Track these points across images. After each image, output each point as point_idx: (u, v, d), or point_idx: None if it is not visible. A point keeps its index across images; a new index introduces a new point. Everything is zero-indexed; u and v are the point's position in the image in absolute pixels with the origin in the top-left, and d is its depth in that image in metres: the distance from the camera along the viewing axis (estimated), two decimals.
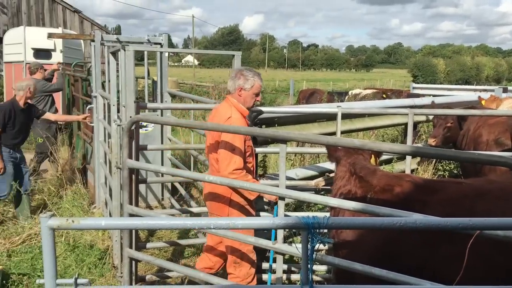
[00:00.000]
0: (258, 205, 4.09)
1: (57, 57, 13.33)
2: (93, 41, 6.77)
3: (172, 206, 7.18)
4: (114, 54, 4.99)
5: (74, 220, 2.23)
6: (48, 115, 7.02)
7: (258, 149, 4.53)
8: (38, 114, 6.86)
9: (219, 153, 3.76)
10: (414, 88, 16.45)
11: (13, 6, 18.85)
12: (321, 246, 2.38)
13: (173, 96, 7.53)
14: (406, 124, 6.84)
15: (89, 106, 7.13)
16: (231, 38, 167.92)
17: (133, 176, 4.03)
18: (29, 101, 6.58)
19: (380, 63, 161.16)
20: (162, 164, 7.30)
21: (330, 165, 5.60)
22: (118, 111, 4.76)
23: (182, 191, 6.46)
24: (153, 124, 6.76)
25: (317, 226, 2.29)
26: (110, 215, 6.21)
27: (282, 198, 3.20)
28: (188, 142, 8.00)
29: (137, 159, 4.13)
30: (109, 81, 5.06)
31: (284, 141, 3.12)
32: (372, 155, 3.76)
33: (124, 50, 3.91)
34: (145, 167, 3.90)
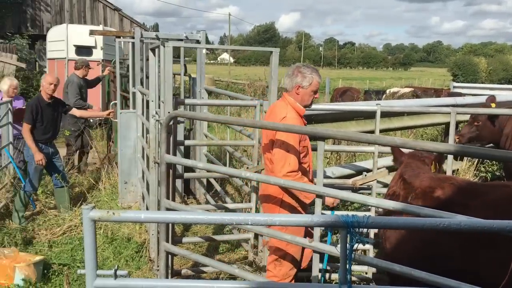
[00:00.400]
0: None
1: (97, 54, 13.67)
2: (133, 38, 6.87)
3: (207, 202, 7.24)
4: (154, 50, 5.05)
5: (115, 212, 2.27)
6: (74, 111, 7.05)
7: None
8: (65, 109, 6.91)
9: (274, 153, 3.63)
10: (454, 87, 16.02)
11: (56, 4, 19.39)
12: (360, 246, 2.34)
13: (209, 93, 7.58)
14: (446, 124, 6.69)
15: (112, 102, 7.22)
16: (266, 36, 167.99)
17: (170, 171, 4.07)
18: (55, 94, 6.61)
19: (418, 62, 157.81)
20: (198, 160, 7.38)
21: (366, 164, 5.54)
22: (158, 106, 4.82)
23: (217, 187, 6.49)
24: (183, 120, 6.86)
25: (356, 225, 2.25)
26: (147, 209, 6.32)
27: (319, 196, 3.16)
28: (223, 139, 8.06)
29: (174, 154, 4.17)
30: (147, 77, 5.12)
31: (323, 138, 3.08)
32: (433, 161, 3.70)
33: (164, 47, 3.95)
34: (182, 162, 3.93)
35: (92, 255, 2.31)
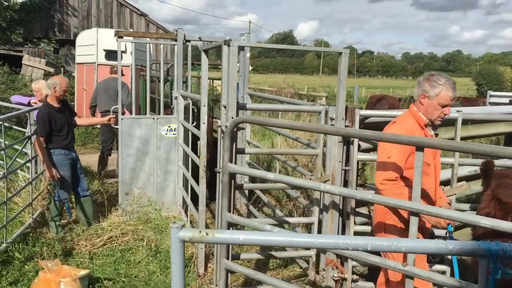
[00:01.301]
0: None
1: (127, 59, 13.45)
2: (175, 40, 6.59)
3: (250, 213, 6.88)
4: (207, 52, 4.74)
5: (208, 233, 1.95)
6: (76, 119, 6.56)
7: (362, 156, 4.13)
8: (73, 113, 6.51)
9: (377, 161, 3.29)
10: (491, 96, 15.52)
11: (84, 9, 19.33)
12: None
13: (251, 98, 7.26)
14: (508, 134, 6.25)
15: (113, 107, 6.84)
16: (285, 43, 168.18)
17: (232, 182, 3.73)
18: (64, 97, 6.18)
19: (438, 71, 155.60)
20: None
21: (444, 175, 5.13)
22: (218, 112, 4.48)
23: (263, 198, 6.15)
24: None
25: (502, 255, 1.89)
26: (191, 223, 5.98)
27: (415, 214, 2.78)
28: (273, 146, 7.71)
29: (235, 163, 3.82)
30: (196, 80, 4.79)
31: (421, 148, 2.71)
32: None
33: (229, 46, 3.63)
34: (249, 172, 3.59)
35: (180, 280, 1.98)
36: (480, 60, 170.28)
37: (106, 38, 13.36)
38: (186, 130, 6.47)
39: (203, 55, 4.72)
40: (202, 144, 4.89)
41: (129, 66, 13.30)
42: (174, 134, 6.71)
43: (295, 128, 3.43)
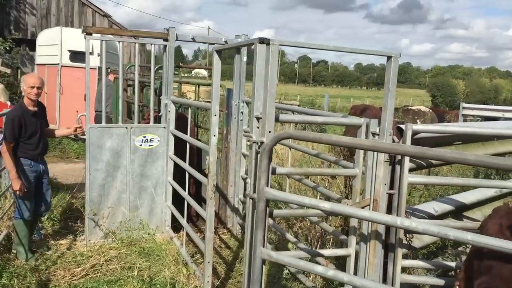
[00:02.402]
0: None
1: (94, 61, 12.50)
2: (166, 40, 5.86)
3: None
4: (220, 52, 4.06)
5: None
6: (54, 130, 5.78)
7: (414, 179, 3.56)
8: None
9: None
10: (464, 108, 15.50)
11: (43, 8, 18.08)
12: None
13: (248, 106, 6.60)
14: None
15: (80, 114, 5.96)
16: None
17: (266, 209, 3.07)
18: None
19: None
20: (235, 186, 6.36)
21: (468, 197, 4.65)
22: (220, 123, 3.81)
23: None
24: (158, 139, 5.83)
25: None
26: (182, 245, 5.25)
27: None
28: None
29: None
30: (209, 85, 4.11)
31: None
32: None
33: (268, 44, 2.97)
34: (289, 198, 2.93)
35: None
36: (429, 72, 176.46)
37: (71, 37, 12.37)
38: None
39: (216, 56, 4.04)
40: (212, 160, 4.20)
41: (95, 68, 12.49)
42: (150, 145, 5.92)
43: (345, 145, 2.82)
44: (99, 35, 6.07)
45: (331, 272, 2.72)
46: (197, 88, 7.60)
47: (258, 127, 3.19)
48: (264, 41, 3.07)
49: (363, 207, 3.59)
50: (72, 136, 10.01)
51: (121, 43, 5.75)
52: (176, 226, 6.13)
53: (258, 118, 3.17)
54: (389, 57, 3.41)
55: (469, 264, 2.80)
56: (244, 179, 6.39)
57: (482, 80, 67.24)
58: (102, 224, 5.76)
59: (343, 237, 4.00)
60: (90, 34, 5.48)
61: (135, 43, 5.85)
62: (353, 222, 3.67)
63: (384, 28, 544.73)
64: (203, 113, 10.26)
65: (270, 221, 5.46)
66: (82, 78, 12.03)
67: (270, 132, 3.06)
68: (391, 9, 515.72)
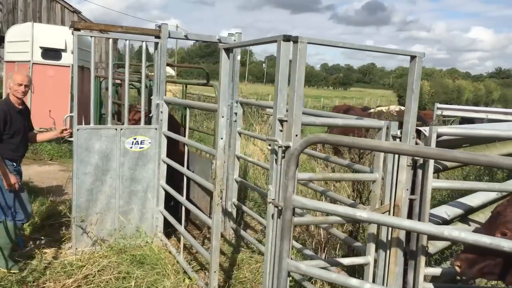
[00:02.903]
0: None
1: (67, 59, 12.04)
2: (157, 37, 5.59)
3: (239, 238, 6.02)
4: (228, 51, 3.85)
5: None
6: (36, 134, 5.41)
7: (438, 184, 3.44)
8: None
9: None
10: (438, 108, 15.72)
11: (9, 3, 17.33)
12: None
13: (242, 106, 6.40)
14: None
15: (67, 115, 5.62)
16: (208, 50, 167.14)
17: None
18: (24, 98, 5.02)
19: (355, 82, 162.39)
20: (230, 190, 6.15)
21: (475, 200, 4.58)
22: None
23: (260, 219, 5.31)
24: (149, 141, 5.59)
25: None
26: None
27: None
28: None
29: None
30: (217, 82, 3.88)
31: None
32: None
33: (295, 42, 2.78)
34: (320, 207, 2.74)
35: None
36: (392, 73, 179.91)
37: (43, 34, 11.84)
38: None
39: (224, 55, 3.83)
40: (219, 164, 3.99)
41: (69, 66, 12.03)
42: (140, 147, 5.64)
43: (387, 150, 2.66)
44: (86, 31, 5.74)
45: (368, 285, 2.56)
46: (184, 87, 7.33)
47: (281, 131, 3.00)
48: (290, 38, 2.88)
49: (382, 213, 3.45)
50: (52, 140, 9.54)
51: (111, 40, 5.44)
52: (167, 232, 5.88)
53: (281, 121, 2.98)
54: (412, 57, 3.28)
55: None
56: (238, 182, 6.19)
57: (445, 81, 68.83)
58: (90, 231, 5.44)
59: (357, 243, 3.85)
60: (78, 29, 5.16)
61: (126, 40, 5.54)
62: (372, 229, 3.52)
63: (349, 29, 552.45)
64: (193, 113, 9.99)
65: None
66: (56, 77, 11.64)
67: (296, 136, 2.87)
68: (355, 10, 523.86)
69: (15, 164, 4.87)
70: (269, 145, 3.08)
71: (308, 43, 2.80)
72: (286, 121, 2.92)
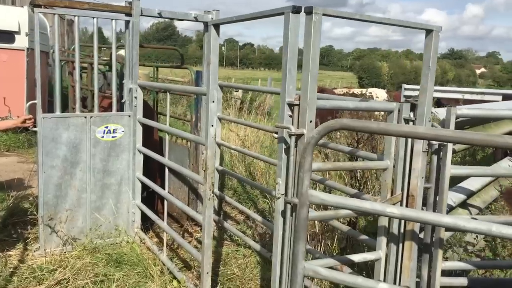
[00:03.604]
0: None
1: (21, 42, 11.20)
2: (129, 15, 5.08)
3: (225, 233, 5.66)
4: (218, 27, 3.43)
5: None
6: None
7: (457, 171, 3.16)
8: None
9: None
10: (405, 89, 15.67)
11: None
12: None
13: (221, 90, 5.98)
14: None
15: (30, 102, 5.10)
16: (165, 33, 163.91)
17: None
18: None
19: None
20: None
21: (474, 184, 4.39)
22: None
23: (250, 213, 4.97)
24: (122, 129, 5.16)
25: None
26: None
27: None
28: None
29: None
30: (208, 64, 3.47)
31: None
32: None
33: (309, 14, 2.40)
34: (343, 202, 2.40)
35: None
36: (350, 55, 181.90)
37: None
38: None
39: (213, 32, 3.41)
40: (210, 155, 3.59)
41: (23, 49, 11.21)
42: (113, 137, 5.16)
43: (425, 137, 2.34)
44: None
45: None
46: (155, 70, 6.82)
47: (290, 116, 2.63)
48: (300, 10, 2.49)
49: (394, 204, 3.16)
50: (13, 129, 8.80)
51: (76, 18, 4.89)
52: (145, 228, 5.46)
53: (291, 105, 2.61)
54: (429, 31, 2.96)
55: None
56: (220, 171, 5.81)
57: (404, 62, 70.09)
58: (60, 229, 4.94)
59: (363, 237, 3.56)
60: (40, 6, 4.59)
61: (94, 17, 4.99)
62: (383, 221, 3.23)
63: None
64: (163, 98, 9.42)
65: (259, 218, 4.96)
66: (9, 61, 10.81)
67: (311, 122, 2.51)
68: None
69: None
70: (276, 133, 2.71)
71: (323, 14, 2.43)
72: (298, 105, 2.55)
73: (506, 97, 7.64)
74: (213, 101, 3.48)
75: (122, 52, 5.85)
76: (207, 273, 3.68)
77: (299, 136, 2.53)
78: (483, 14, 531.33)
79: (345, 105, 2.96)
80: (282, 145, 2.65)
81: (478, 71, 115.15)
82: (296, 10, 2.53)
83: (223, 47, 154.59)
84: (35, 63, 4.78)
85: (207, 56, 3.45)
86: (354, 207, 2.32)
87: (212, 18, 5.56)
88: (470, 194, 4.23)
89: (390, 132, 2.24)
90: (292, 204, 2.53)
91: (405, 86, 15.83)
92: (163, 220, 4.69)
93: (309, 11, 2.41)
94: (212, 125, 3.53)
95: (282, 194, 2.68)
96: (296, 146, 2.56)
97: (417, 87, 14.12)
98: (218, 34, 3.42)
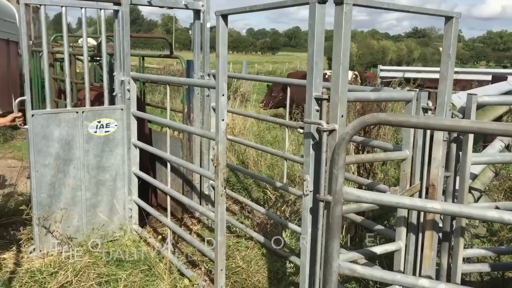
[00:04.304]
0: None
1: None
2: (117, 4, 4.87)
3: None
4: (226, 17, 3.30)
5: None
6: None
7: (478, 158, 3.15)
8: None
9: None
10: (381, 70, 15.80)
11: None
12: None
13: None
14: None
15: (19, 98, 4.89)
16: (130, 18, 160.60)
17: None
18: None
19: (282, 46, 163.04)
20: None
21: (477, 167, 4.42)
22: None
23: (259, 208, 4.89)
24: (116, 123, 5.03)
25: None
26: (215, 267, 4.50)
27: None
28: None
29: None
30: (217, 56, 3.34)
31: None
32: None
33: (340, 4, 2.30)
34: (382, 199, 2.34)
35: None
36: None
37: None
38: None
39: (221, 22, 3.28)
40: (221, 150, 3.48)
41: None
42: (106, 131, 4.98)
43: (452, 130, 2.29)
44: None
45: (443, 285, 2.22)
46: (141, 60, 6.61)
47: (317, 111, 2.55)
48: (335, 1, 2.39)
49: (412, 194, 3.14)
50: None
51: (63, 8, 4.64)
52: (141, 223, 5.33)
53: (319, 100, 2.52)
54: (448, 18, 2.90)
55: None
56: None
57: (371, 42, 70.70)
58: (55, 229, 4.77)
59: (379, 227, 3.54)
60: None
61: (82, 7, 4.75)
62: (402, 212, 3.20)
63: None
64: (149, 88, 9.18)
65: (262, 209, 4.89)
66: None
67: (342, 116, 2.44)
68: None
69: None
70: (301, 127, 2.63)
71: (354, 5, 2.34)
72: (327, 99, 2.47)
73: (496, 78, 7.80)
74: (223, 95, 3.37)
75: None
76: (221, 270, 3.61)
77: (330, 132, 2.45)
78: None
79: (366, 96, 2.89)
80: (310, 141, 2.57)
81: (441, 49, 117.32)
82: (323, 0, 2.44)
83: (190, 31, 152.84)
84: (23, 56, 4.53)
85: (216, 49, 3.31)
86: (393, 203, 2.27)
87: (202, 6, 5.40)
88: (474, 177, 4.26)
89: (432, 126, 2.19)
90: (324, 201, 2.46)
91: (381, 67, 15.95)
92: (164, 215, 4.58)
93: (339, 1, 2.31)
94: (223, 120, 3.42)
95: (310, 191, 2.61)
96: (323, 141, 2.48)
97: (393, 68, 14.28)
98: (227, 24, 3.29)
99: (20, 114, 4.57)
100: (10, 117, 4.53)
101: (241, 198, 5.44)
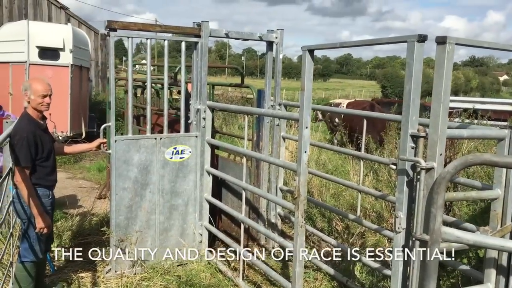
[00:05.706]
0: None
1: (66, 58, 11.35)
2: (197, 36, 5.07)
3: (284, 250, 5.56)
4: (312, 52, 3.37)
5: None
6: (61, 145, 4.74)
7: None
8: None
9: None
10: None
11: None
12: None
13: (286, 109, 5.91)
14: None
15: (104, 125, 5.05)
16: (185, 44, 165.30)
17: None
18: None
19: (334, 73, 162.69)
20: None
21: None
22: None
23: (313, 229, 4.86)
24: (190, 150, 5.11)
25: None
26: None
27: None
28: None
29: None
30: (302, 89, 3.41)
31: None
32: None
33: (441, 44, 2.32)
34: (479, 240, 2.29)
35: None
36: (369, 63, 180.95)
37: (39, 32, 11.13)
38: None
39: (308, 57, 3.35)
40: (303, 181, 3.51)
41: (68, 66, 11.35)
42: (181, 157, 5.12)
43: None
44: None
45: None
46: (211, 88, 6.81)
47: (413, 148, 2.55)
48: (426, 39, 2.42)
49: (503, 235, 3.04)
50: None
51: (149, 40, 4.89)
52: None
53: (414, 137, 2.52)
54: None
55: None
56: (284, 191, 5.73)
57: (428, 71, 69.33)
58: (130, 251, 4.92)
59: (464, 267, 3.44)
60: (115, 30, 4.60)
61: (165, 40, 4.99)
62: (491, 252, 3.10)
63: (325, 20, 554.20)
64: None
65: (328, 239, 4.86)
66: (54, 77, 10.94)
67: (441, 155, 2.42)
68: (332, 1, 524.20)
69: (50, 192, 4.25)
70: (394, 164, 2.63)
71: (456, 44, 2.35)
72: (424, 137, 2.46)
73: None
74: (307, 127, 3.41)
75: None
76: None
77: (427, 170, 2.44)
78: (504, 20, 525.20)
79: (459, 134, 2.86)
80: (404, 178, 2.56)
81: (501, 78, 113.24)
82: (422, 39, 2.46)
83: (242, 57, 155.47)
84: (110, 84, 4.78)
85: (301, 82, 3.38)
86: (497, 247, 2.22)
87: (276, 38, 5.53)
88: None
89: None
90: (420, 241, 2.44)
91: None
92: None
93: (442, 41, 2.33)
94: (305, 151, 3.46)
95: (403, 228, 2.59)
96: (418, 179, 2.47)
97: (457, 98, 13.89)
98: (313, 59, 3.36)
99: (105, 140, 4.79)
100: (96, 142, 4.75)
101: (310, 228, 5.42)
